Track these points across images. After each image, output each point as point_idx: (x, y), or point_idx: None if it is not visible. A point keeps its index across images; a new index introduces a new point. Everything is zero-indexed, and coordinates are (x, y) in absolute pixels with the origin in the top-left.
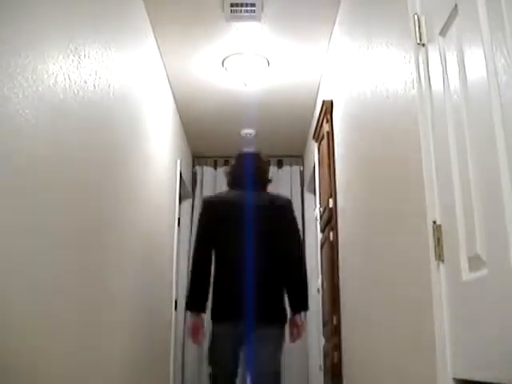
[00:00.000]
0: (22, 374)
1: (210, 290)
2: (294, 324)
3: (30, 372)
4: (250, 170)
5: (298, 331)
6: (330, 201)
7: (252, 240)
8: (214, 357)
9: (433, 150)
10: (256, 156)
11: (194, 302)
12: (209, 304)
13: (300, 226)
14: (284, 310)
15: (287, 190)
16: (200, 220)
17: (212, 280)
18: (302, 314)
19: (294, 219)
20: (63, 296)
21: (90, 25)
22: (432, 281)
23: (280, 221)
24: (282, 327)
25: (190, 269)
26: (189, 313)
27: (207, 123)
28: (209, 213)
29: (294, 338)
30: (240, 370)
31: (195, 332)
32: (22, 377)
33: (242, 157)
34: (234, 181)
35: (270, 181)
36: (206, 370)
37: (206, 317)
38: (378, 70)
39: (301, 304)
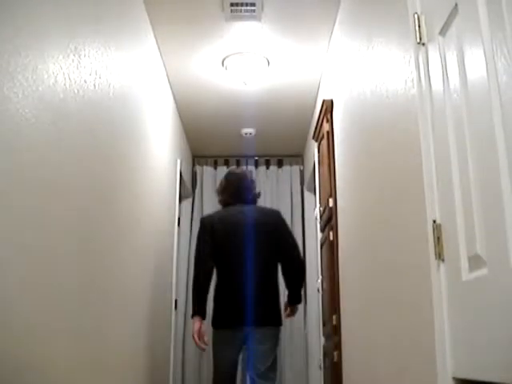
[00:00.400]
0: (22, 375)
1: (208, 298)
2: (290, 309)
3: (27, 374)
4: (241, 188)
5: (292, 313)
6: (330, 200)
7: (251, 252)
8: (216, 360)
9: (433, 149)
10: (244, 174)
11: (200, 311)
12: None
13: (300, 226)
14: (280, 313)
15: (287, 189)
16: (199, 238)
17: (214, 289)
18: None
19: (287, 227)
20: (64, 296)
21: (90, 25)
22: (432, 280)
23: (276, 230)
24: (278, 328)
25: (193, 282)
26: (190, 318)
27: (207, 123)
28: (208, 230)
29: (288, 316)
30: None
31: (201, 336)
32: (21, 378)
33: (231, 175)
34: (228, 198)
35: (259, 195)
36: (205, 369)
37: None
38: (378, 70)
39: (298, 300)
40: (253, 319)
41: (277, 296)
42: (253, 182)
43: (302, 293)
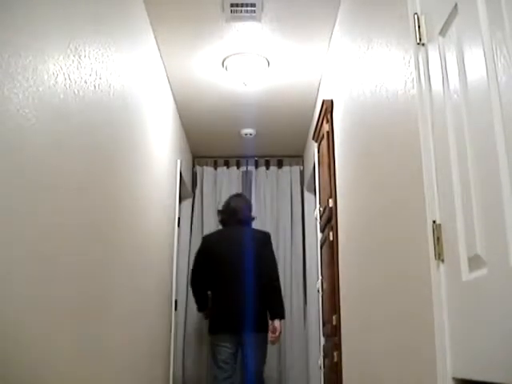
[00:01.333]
0: (22, 373)
1: (207, 299)
2: (272, 329)
3: (29, 373)
4: (237, 211)
5: (275, 336)
6: (330, 201)
7: (242, 267)
8: (216, 362)
9: (433, 149)
10: (244, 198)
11: (201, 307)
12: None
13: (300, 227)
14: (267, 321)
15: (287, 190)
16: (198, 253)
17: (211, 301)
18: (277, 321)
19: (272, 249)
20: (64, 295)
21: (90, 25)
22: (432, 280)
23: (263, 251)
24: (267, 334)
25: (191, 290)
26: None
27: (207, 123)
28: (207, 247)
29: (272, 341)
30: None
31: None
32: (22, 376)
33: (231, 199)
34: (225, 218)
35: (254, 218)
36: (205, 370)
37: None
38: (378, 70)
39: (277, 314)
40: (245, 327)
41: (263, 304)
42: (249, 206)
43: (286, 308)
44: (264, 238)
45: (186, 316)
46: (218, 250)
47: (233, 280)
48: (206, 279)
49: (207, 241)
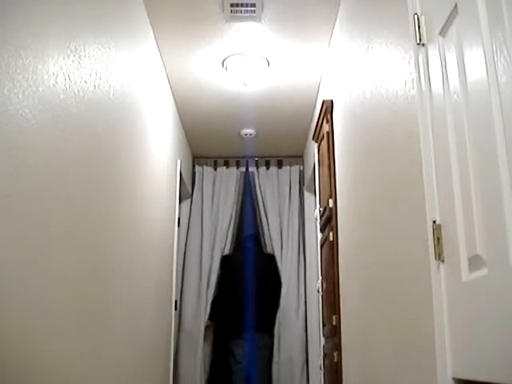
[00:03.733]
0: (22, 372)
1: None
2: None
3: (29, 375)
4: (249, 239)
5: None
6: (330, 201)
7: (251, 283)
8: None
9: (432, 149)
10: (254, 236)
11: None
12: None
13: (300, 227)
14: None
15: (287, 190)
16: (220, 270)
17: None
18: None
19: (277, 268)
20: (64, 296)
21: (90, 25)
22: (432, 281)
23: (269, 270)
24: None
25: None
26: (184, 318)
27: (207, 123)
28: (225, 265)
29: None
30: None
31: None
32: (22, 375)
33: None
34: (240, 245)
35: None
36: (201, 368)
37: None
38: (378, 70)
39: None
40: (253, 328)
41: (268, 309)
42: (257, 238)
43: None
44: (271, 258)
45: (180, 316)
46: (236, 267)
47: (246, 289)
48: (226, 291)
49: (225, 260)
